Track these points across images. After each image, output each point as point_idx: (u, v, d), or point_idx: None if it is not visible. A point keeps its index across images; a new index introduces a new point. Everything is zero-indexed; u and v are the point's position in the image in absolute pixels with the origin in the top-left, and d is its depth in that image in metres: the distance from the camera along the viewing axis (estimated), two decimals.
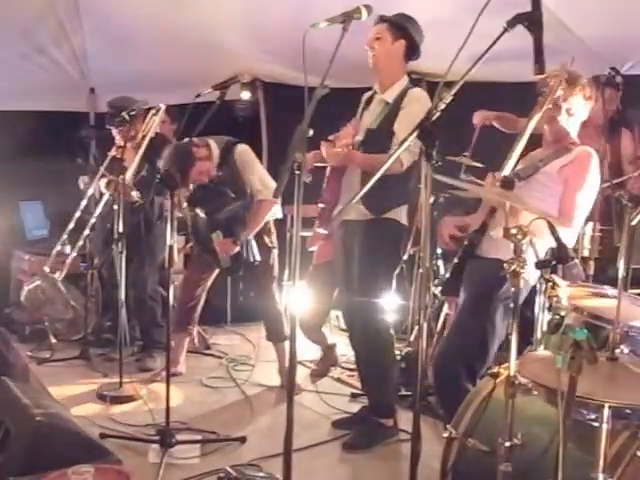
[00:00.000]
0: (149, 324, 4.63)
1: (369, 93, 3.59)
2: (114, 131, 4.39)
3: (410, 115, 3.21)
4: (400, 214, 3.40)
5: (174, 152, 3.72)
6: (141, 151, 4.13)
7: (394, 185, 3.15)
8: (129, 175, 4.05)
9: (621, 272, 2.05)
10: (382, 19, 3.35)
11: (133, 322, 4.82)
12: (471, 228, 3.08)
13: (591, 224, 4.20)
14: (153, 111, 4.19)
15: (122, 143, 4.16)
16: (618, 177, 4.03)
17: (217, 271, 4.36)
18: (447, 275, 3.11)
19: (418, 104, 3.25)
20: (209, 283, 4.47)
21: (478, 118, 3.67)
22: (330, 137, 3.42)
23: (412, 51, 3.42)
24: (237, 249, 4.00)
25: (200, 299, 4.45)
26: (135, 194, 4.23)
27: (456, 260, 3.07)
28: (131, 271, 4.61)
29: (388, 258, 3.45)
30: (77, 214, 4.49)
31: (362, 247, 3.38)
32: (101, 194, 4.44)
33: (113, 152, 4.28)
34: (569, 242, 2.90)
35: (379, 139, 3.32)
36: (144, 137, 4.17)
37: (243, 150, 4.08)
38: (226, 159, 4.04)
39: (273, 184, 3.89)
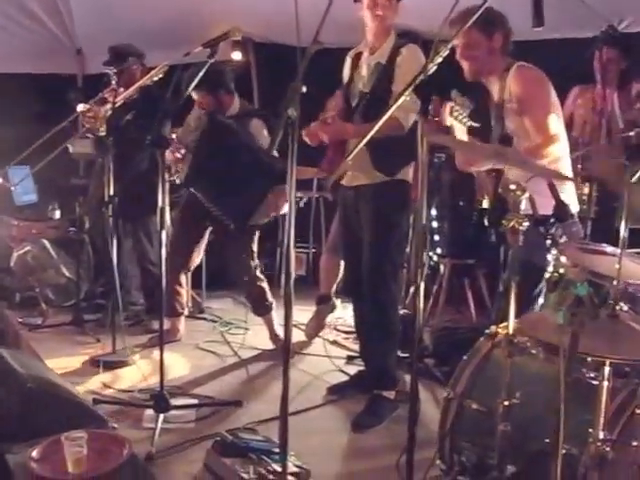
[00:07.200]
0: (153, 288, 4.56)
1: (354, 52, 3.43)
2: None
3: (409, 74, 3.08)
4: (408, 173, 3.28)
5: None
6: (136, 85, 4.00)
7: (402, 144, 3.03)
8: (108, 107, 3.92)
9: (622, 230, 2.00)
10: None
11: (126, 286, 4.78)
12: None
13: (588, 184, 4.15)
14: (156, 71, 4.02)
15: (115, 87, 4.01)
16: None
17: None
18: None
19: (415, 61, 3.13)
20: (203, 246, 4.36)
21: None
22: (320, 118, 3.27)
23: None
24: None
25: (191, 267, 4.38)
26: (102, 131, 4.03)
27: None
28: (131, 239, 4.59)
29: (402, 219, 3.33)
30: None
31: (376, 210, 3.28)
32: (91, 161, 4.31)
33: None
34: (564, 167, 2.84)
35: (374, 102, 3.18)
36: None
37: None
38: None
39: None
